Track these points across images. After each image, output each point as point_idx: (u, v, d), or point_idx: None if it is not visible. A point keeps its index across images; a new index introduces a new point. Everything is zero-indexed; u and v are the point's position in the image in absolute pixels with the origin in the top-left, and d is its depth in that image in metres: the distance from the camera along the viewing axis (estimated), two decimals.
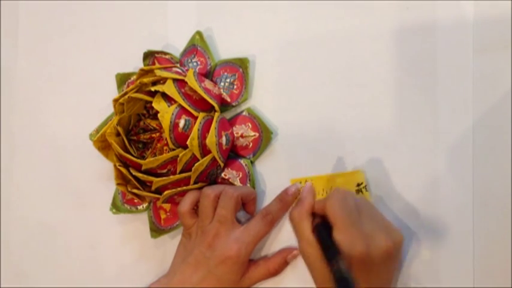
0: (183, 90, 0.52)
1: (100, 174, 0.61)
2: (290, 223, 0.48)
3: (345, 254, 0.41)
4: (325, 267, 0.43)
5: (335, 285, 0.40)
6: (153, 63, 0.58)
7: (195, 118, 0.51)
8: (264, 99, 0.56)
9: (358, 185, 0.51)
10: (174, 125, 0.50)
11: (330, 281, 0.42)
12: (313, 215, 0.48)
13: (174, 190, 0.51)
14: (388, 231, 0.44)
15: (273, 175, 0.55)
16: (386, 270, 0.44)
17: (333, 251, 0.42)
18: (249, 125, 0.55)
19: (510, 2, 0.48)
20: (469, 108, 0.49)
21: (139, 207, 0.58)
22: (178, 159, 0.50)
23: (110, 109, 0.57)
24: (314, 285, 0.52)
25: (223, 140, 0.52)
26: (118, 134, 0.53)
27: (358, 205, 0.45)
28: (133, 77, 0.57)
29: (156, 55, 0.58)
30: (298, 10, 0.55)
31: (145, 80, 0.52)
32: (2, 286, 0.64)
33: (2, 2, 0.68)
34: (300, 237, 0.46)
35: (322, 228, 0.45)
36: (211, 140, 0.50)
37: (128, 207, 0.58)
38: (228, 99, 0.55)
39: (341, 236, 0.42)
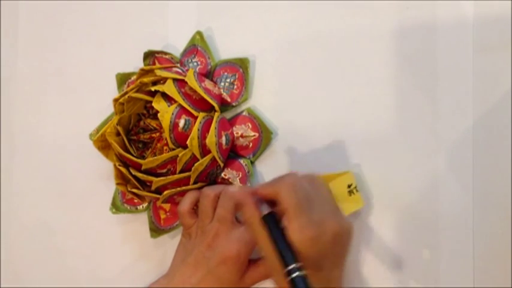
0: (183, 90, 0.52)
1: (100, 174, 0.61)
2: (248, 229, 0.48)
3: (295, 240, 0.42)
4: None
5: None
6: (153, 63, 0.58)
7: (195, 118, 0.51)
8: (264, 99, 0.56)
9: (349, 186, 0.50)
10: (174, 125, 0.50)
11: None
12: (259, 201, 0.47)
13: (173, 190, 0.51)
14: (336, 217, 0.45)
15: (273, 175, 0.54)
16: (334, 253, 0.44)
17: (287, 252, 0.42)
18: (249, 125, 0.55)
19: (510, 2, 0.48)
20: (469, 108, 0.49)
21: (139, 207, 0.58)
22: (178, 159, 0.50)
23: (110, 109, 0.57)
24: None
25: (223, 140, 0.52)
26: (118, 134, 0.53)
27: (309, 192, 0.45)
28: (134, 77, 0.57)
29: (157, 55, 0.58)
30: (298, 10, 0.55)
31: (146, 79, 0.52)
32: (2, 286, 0.64)
33: (2, 2, 0.68)
34: (256, 234, 0.46)
35: (271, 219, 0.45)
36: (211, 139, 0.50)
37: (128, 207, 0.58)
38: (228, 99, 0.55)
39: (292, 224, 0.43)
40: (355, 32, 0.53)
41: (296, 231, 0.43)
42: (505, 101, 0.48)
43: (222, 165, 0.53)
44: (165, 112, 0.50)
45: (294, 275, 0.41)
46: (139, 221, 0.59)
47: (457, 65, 0.49)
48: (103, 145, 0.54)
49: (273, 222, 0.45)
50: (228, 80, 0.56)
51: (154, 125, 0.54)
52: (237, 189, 0.49)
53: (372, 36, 0.52)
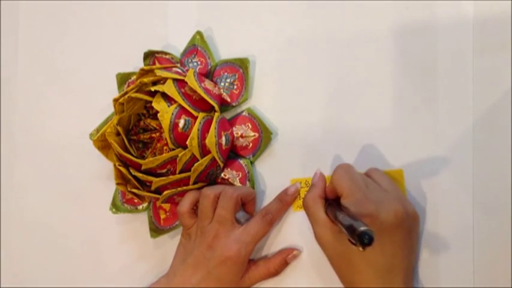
0: (183, 90, 0.52)
1: (100, 174, 0.61)
2: (304, 209, 0.49)
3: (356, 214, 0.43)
4: (340, 247, 0.44)
5: (348, 236, 0.39)
6: (154, 63, 0.58)
7: (195, 118, 0.51)
8: (264, 99, 0.56)
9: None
10: (173, 125, 0.50)
11: (345, 258, 0.44)
12: (326, 200, 0.48)
13: (173, 190, 0.51)
14: (400, 201, 0.45)
15: (273, 175, 0.55)
16: (399, 235, 0.44)
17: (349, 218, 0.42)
18: (249, 125, 0.55)
19: (510, 2, 0.48)
20: (469, 108, 0.49)
21: (139, 207, 0.58)
22: (178, 159, 0.49)
23: (110, 109, 0.57)
24: (314, 286, 0.52)
25: (223, 140, 0.52)
26: (118, 134, 0.53)
27: (366, 178, 0.47)
28: (134, 77, 0.57)
29: (157, 55, 0.58)
30: (298, 10, 0.55)
31: (146, 79, 0.52)
32: (2, 286, 0.64)
33: (2, 2, 0.68)
34: (314, 220, 0.47)
35: (334, 204, 0.46)
36: (210, 140, 0.50)
37: (128, 207, 0.58)
38: (228, 99, 0.55)
39: (348, 200, 0.44)
40: (355, 32, 0.53)
41: (353, 206, 0.43)
42: (505, 101, 0.48)
43: (221, 165, 0.53)
44: (165, 112, 0.50)
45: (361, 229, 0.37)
46: (139, 221, 0.59)
47: (457, 65, 0.49)
48: (103, 145, 0.54)
49: (337, 206, 0.46)
50: (228, 80, 0.56)
51: (154, 125, 0.54)
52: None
53: (372, 36, 0.52)
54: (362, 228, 0.37)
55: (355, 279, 0.45)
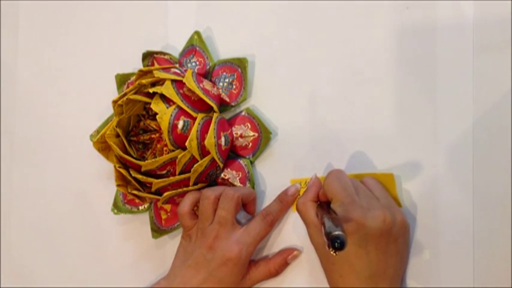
0: (181, 91, 0.51)
1: (101, 175, 0.61)
2: (297, 212, 0.49)
3: (343, 219, 0.43)
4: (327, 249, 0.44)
5: (325, 239, 0.39)
6: (152, 64, 0.58)
7: (194, 119, 0.51)
8: (263, 99, 0.56)
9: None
10: (172, 126, 0.50)
11: (330, 261, 0.45)
12: (319, 203, 0.49)
13: (173, 191, 0.51)
14: (389, 209, 0.45)
15: (273, 175, 0.55)
16: (385, 242, 0.44)
17: (330, 221, 0.42)
18: (248, 125, 0.55)
19: (510, 2, 0.47)
20: (469, 108, 0.49)
21: (140, 208, 0.58)
22: (177, 160, 0.49)
23: (110, 109, 0.57)
24: (314, 286, 0.52)
25: (222, 140, 0.52)
26: (117, 136, 0.53)
27: (356, 183, 0.47)
28: (133, 78, 0.57)
29: (155, 55, 0.58)
30: (298, 10, 0.55)
31: (144, 81, 0.52)
32: (2, 286, 0.64)
33: (2, 2, 0.68)
34: (307, 223, 0.48)
35: (325, 207, 0.47)
36: (210, 141, 0.50)
37: (129, 208, 0.58)
38: (227, 99, 0.55)
39: (337, 204, 0.45)
40: (355, 32, 0.53)
41: (342, 211, 0.44)
42: (505, 101, 0.47)
43: (221, 165, 0.53)
44: (164, 114, 0.49)
45: (334, 233, 0.38)
46: (140, 221, 0.59)
47: (457, 65, 0.49)
48: (103, 147, 0.54)
49: (326, 206, 0.47)
50: (227, 80, 0.56)
51: (154, 126, 0.54)
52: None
53: (372, 36, 0.52)
54: (335, 233, 0.38)
55: (338, 282, 0.46)
